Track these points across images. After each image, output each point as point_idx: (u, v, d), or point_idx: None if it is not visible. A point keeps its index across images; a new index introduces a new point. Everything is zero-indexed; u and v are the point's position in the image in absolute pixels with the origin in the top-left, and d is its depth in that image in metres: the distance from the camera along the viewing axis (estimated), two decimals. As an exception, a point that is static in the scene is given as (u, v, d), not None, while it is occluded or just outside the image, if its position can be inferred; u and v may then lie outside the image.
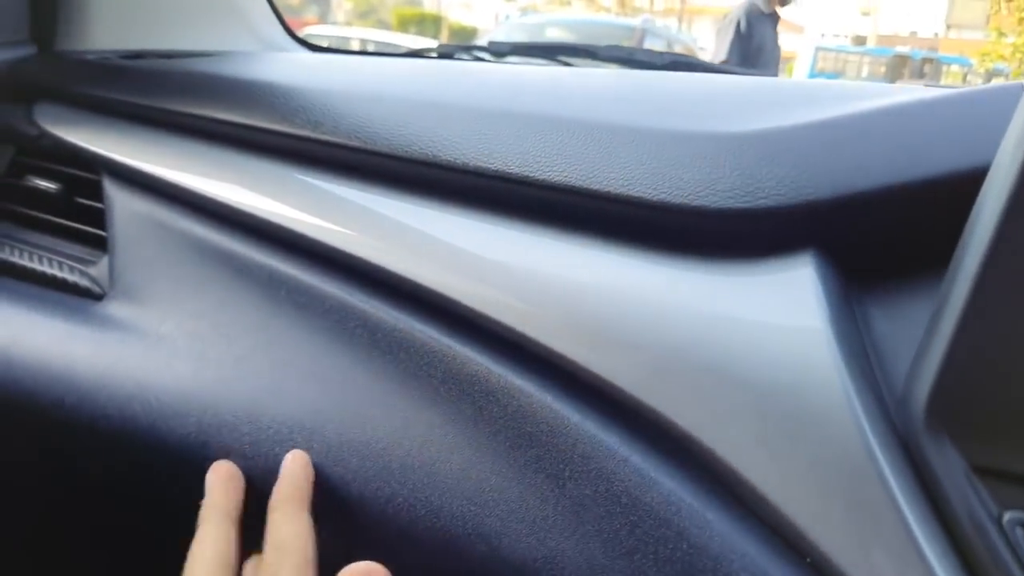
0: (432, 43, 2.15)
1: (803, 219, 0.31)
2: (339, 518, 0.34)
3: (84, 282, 0.44)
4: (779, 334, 0.29)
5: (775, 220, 0.31)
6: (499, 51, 0.69)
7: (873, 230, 0.31)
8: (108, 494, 0.40)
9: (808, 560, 0.27)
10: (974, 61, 12.12)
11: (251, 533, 0.33)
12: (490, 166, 0.36)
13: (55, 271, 0.45)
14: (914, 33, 20.26)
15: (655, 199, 0.32)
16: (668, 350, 0.30)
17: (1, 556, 0.46)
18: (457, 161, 0.37)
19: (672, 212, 0.32)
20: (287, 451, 0.35)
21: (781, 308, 0.30)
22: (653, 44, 3.82)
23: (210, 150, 0.44)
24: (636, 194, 0.33)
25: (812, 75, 10.59)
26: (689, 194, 0.32)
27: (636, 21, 4.90)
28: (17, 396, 0.40)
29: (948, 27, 20.92)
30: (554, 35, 4.09)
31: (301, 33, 0.75)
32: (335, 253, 0.38)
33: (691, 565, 0.28)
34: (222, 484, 0.35)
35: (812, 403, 0.27)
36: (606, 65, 0.66)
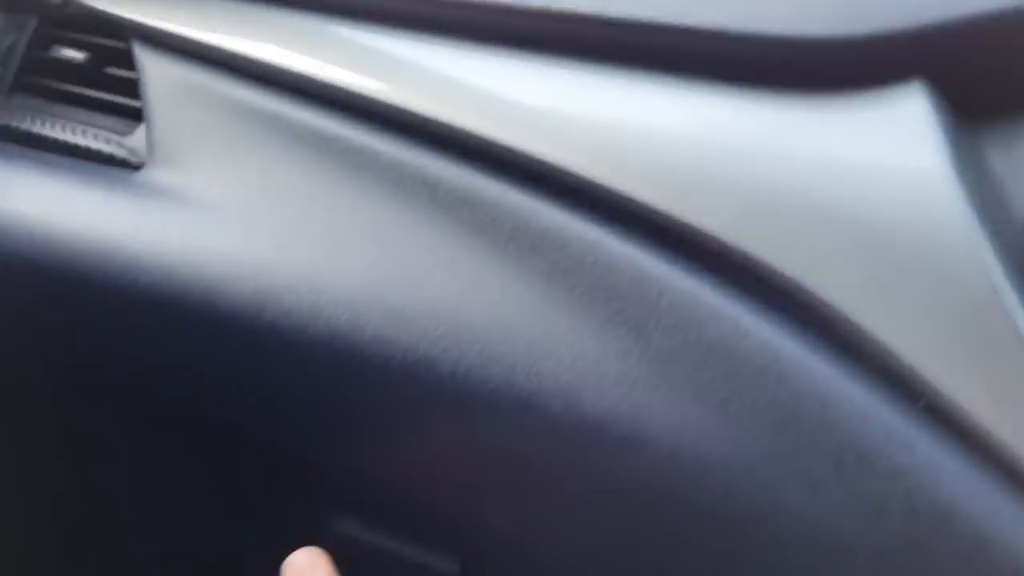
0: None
1: (910, 47, 0.28)
2: (408, 379, 0.32)
3: (121, 152, 0.42)
4: (891, 169, 0.27)
5: (879, 48, 0.28)
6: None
7: (987, 62, 0.28)
8: (160, 366, 0.38)
9: (921, 402, 0.25)
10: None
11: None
12: (557, 6, 0.33)
13: (89, 142, 0.42)
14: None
15: (743, 32, 0.30)
16: (764, 191, 0.28)
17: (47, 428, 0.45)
18: (518, 3, 0.34)
19: (762, 44, 0.30)
20: (349, 316, 0.33)
21: (892, 142, 0.27)
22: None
23: (246, 8, 0.41)
24: (719, 27, 0.30)
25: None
26: (781, 22, 0.29)
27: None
28: (58, 270, 0.38)
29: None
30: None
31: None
32: (387, 109, 0.35)
33: (793, 411, 0.26)
34: None
35: (931, 239, 0.25)
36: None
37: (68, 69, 0.46)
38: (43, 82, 0.46)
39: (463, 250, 0.33)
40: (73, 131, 0.43)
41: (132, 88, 0.43)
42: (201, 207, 0.38)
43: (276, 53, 0.38)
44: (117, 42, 0.44)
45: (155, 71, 0.42)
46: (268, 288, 0.35)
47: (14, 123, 0.44)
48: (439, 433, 0.33)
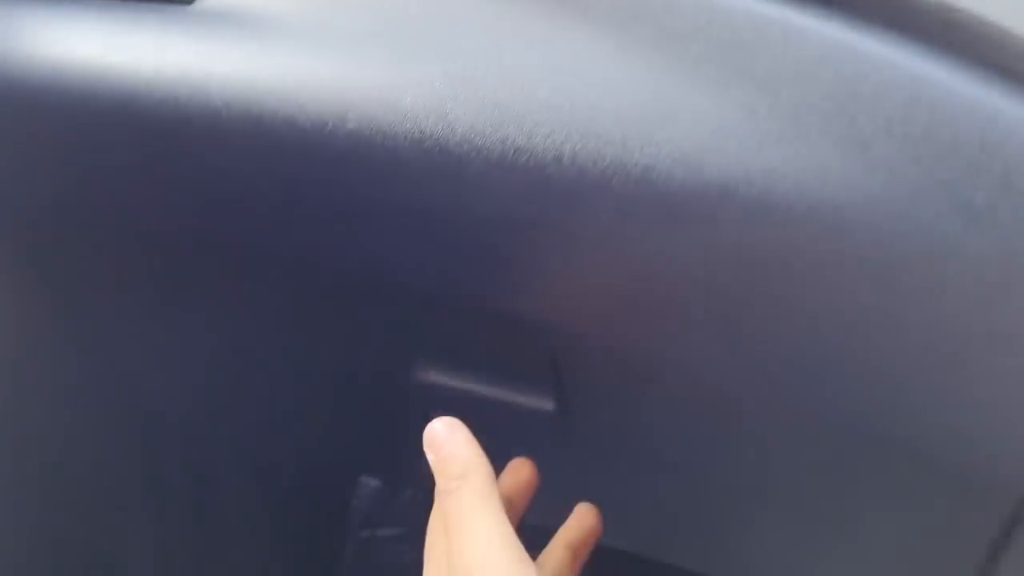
0: None
1: None
2: (506, 174, 0.30)
3: (170, -13, 0.39)
4: None
5: None
6: None
7: None
8: (233, 197, 0.36)
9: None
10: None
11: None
12: None
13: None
14: None
15: None
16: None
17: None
18: None
19: None
20: (436, 116, 0.31)
21: None
22: None
23: None
24: None
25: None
26: None
27: None
28: (117, 109, 0.36)
29: None
30: None
31: None
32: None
33: (950, 139, 0.24)
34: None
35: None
36: None
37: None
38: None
39: (557, 29, 0.30)
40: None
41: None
42: (263, 29, 0.35)
43: None
44: None
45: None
46: (343, 102, 0.32)
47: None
48: (543, 232, 0.31)
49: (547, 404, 0.38)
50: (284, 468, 0.76)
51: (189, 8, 0.38)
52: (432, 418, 0.34)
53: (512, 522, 0.32)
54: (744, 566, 0.44)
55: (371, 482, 0.83)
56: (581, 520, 0.37)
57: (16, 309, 0.48)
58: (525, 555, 0.29)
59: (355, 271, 0.37)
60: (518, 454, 0.40)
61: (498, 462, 0.38)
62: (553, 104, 0.29)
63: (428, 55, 0.32)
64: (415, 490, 0.82)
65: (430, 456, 0.32)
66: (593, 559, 0.37)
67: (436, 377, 0.42)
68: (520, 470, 0.37)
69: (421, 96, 0.31)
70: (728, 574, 0.47)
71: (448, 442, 0.32)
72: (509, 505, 0.35)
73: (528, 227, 0.31)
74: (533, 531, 0.40)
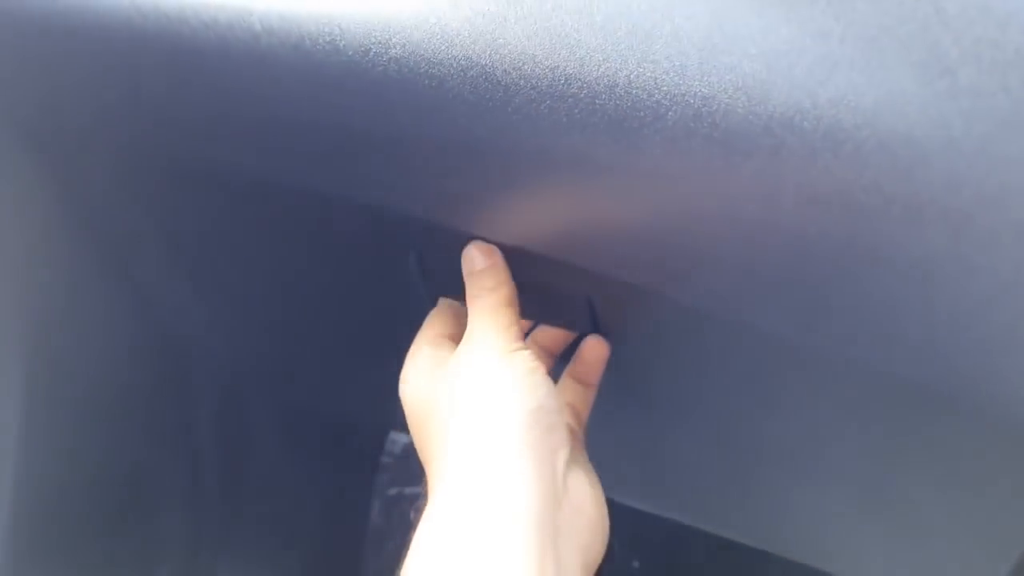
0: None
1: None
2: (557, 102, 0.29)
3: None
4: None
5: None
6: None
7: None
8: (283, 121, 0.35)
9: None
10: None
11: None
12: None
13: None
14: None
15: None
16: None
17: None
18: None
19: None
20: (483, 43, 0.29)
21: None
22: None
23: None
24: None
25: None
26: None
27: None
28: (154, 32, 0.35)
29: None
30: None
31: None
32: None
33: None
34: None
35: None
36: None
37: None
38: None
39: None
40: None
41: None
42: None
43: None
44: None
45: None
46: (387, 27, 0.31)
47: None
48: (593, 167, 0.29)
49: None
50: (315, 422, 0.76)
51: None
52: None
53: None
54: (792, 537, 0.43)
55: (401, 438, 0.83)
56: (589, 353, 0.38)
57: (49, 238, 0.48)
58: (538, 364, 0.33)
59: (395, 208, 0.36)
60: None
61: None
62: (608, 28, 0.28)
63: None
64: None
65: (466, 268, 0.35)
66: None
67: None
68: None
69: (468, 21, 0.30)
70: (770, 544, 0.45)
71: (487, 258, 0.35)
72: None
73: (578, 161, 0.29)
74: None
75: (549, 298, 0.37)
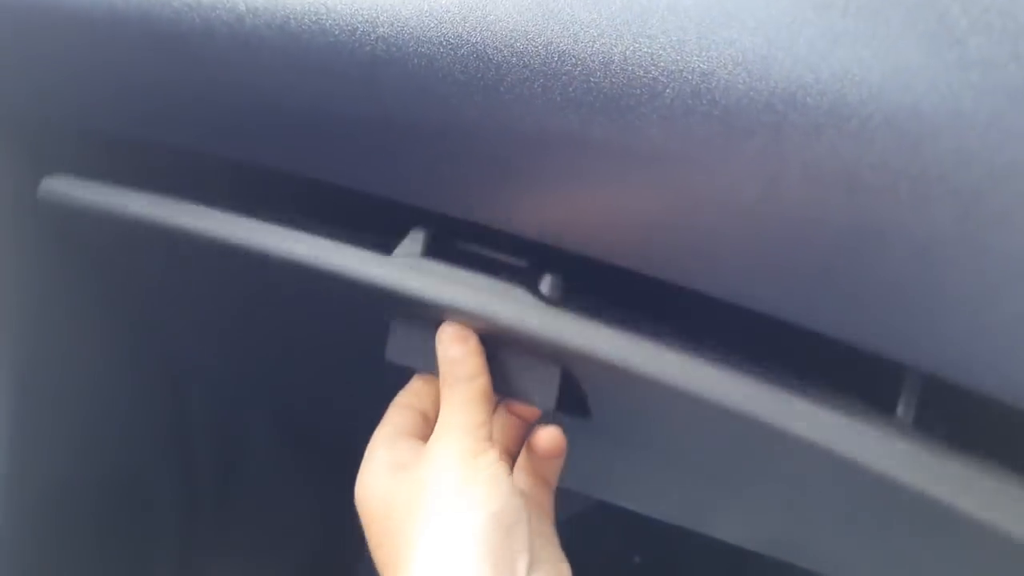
0: None
1: None
2: (550, 80, 0.28)
3: None
4: None
5: None
6: None
7: None
8: (252, 104, 0.34)
9: None
10: None
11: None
12: None
13: None
14: None
15: None
16: None
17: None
18: None
19: None
20: (475, 19, 0.28)
21: None
22: None
23: None
24: None
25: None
26: None
27: None
28: (138, 12, 0.34)
29: None
30: None
31: None
32: None
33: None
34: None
35: None
36: None
37: None
38: None
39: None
40: None
41: None
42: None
43: None
44: None
45: None
46: (374, 4, 0.30)
47: None
48: (587, 148, 0.28)
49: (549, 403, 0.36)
50: (310, 426, 0.75)
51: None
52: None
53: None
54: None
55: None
56: (544, 444, 0.36)
57: (41, 237, 0.47)
58: (503, 467, 0.32)
59: (385, 191, 0.35)
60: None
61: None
62: (602, 2, 0.27)
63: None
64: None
65: (440, 351, 0.35)
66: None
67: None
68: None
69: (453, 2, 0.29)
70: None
71: (462, 344, 0.34)
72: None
73: (573, 142, 0.28)
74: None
75: (519, 365, 0.36)
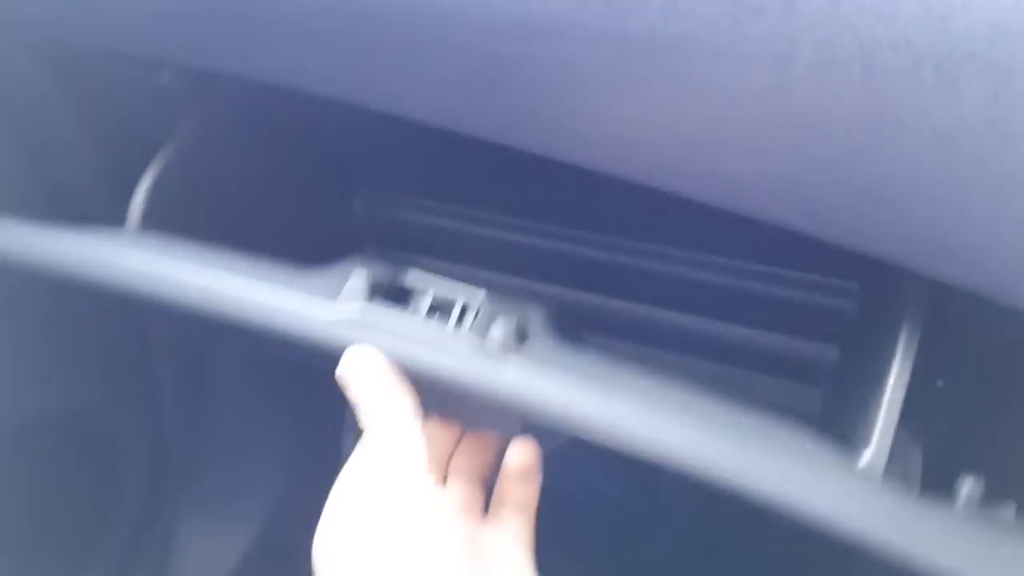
0: None
1: None
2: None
3: None
4: None
5: None
6: None
7: None
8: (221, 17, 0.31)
9: None
10: None
11: None
12: None
13: None
14: None
15: None
16: None
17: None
18: None
19: None
20: None
21: None
22: None
23: None
24: None
25: None
26: None
27: None
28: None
29: None
30: None
31: None
32: None
33: None
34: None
35: None
36: None
37: None
38: None
39: None
40: None
41: None
42: None
43: None
44: None
45: None
46: None
47: None
48: (580, 29, 0.26)
49: None
50: (279, 365, 0.73)
51: None
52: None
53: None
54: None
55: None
56: (509, 465, 0.35)
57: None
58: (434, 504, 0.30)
59: (356, 96, 0.32)
60: None
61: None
62: None
63: None
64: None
65: (353, 393, 0.32)
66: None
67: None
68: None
69: None
70: None
71: (377, 384, 0.31)
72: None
73: (563, 30, 0.26)
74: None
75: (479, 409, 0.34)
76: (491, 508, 0.35)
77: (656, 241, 0.41)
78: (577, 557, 0.78)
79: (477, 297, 0.33)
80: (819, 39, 0.22)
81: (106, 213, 0.39)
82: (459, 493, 0.35)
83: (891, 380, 0.28)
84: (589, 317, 0.38)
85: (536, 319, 0.32)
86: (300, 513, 0.79)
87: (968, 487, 0.27)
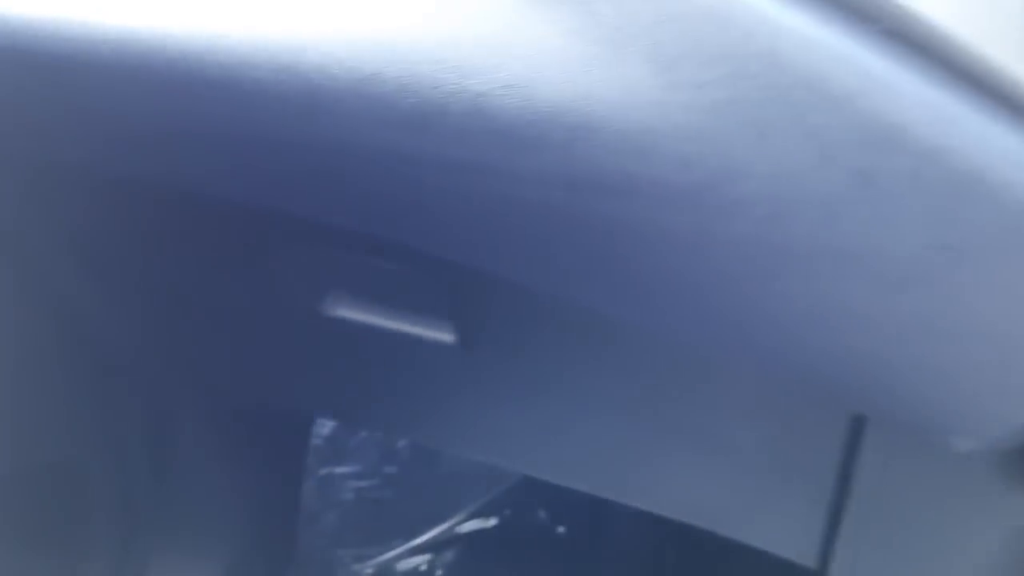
0: None
1: None
2: (348, 101, 0.32)
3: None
4: None
5: None
6: None
7: None
8: (113, 128, 0.38)
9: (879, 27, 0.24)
10: None
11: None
12: None
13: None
14: None
15: None
16: None
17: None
18: None
19: None
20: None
21: None
22: None
23: None
24: None
25: None
26: None
27: None
28: None
29: None
30: None
31: None
32: None
33: (742, 57, 0.25)
34: None
35: None
36: None
37: None
38: None
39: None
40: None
41: None
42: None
43: None
44: None
45: None
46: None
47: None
48: (401, 153, 0.32)
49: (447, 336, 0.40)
50: (241, 412, 0.78)
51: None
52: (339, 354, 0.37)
53: None
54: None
55: (328, 422, 0.86)
56: None
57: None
58: None
59: (249, 201, 0.38)
60: (426, 387, 0.42)
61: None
62: (383, 37, 0.30)
63: None
64: (369, 431, 0.85)
65: None
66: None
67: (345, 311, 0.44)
68: None
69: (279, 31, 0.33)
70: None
71: None
72: None
73: (384, 153, 0.32)
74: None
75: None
76: None
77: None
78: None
79: None
80: (564, 169, 0.29)
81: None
82: None
83: None
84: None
85: None
86: (265, 556, 0.84)
87: None
